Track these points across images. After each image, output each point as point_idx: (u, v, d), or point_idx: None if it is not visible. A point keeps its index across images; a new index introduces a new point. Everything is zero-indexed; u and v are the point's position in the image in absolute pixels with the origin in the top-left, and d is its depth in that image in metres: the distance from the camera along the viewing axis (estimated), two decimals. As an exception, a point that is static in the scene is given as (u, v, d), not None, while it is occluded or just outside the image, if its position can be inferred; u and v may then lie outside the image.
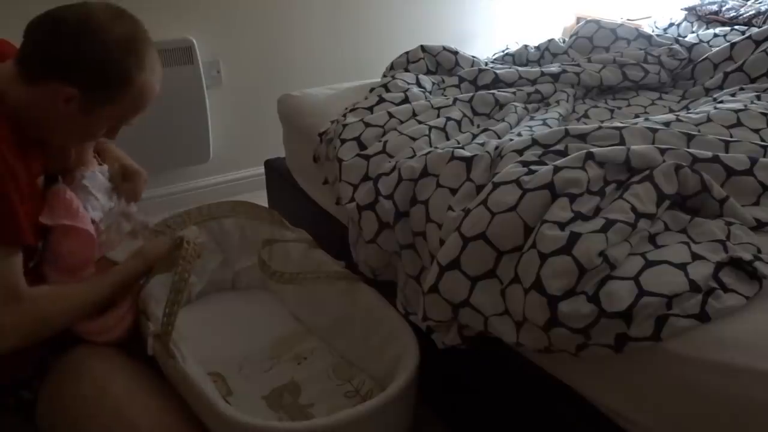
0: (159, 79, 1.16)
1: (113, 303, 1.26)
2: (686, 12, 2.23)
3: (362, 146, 1.47)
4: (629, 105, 1.71)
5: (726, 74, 1.70)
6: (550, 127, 1.42)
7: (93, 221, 1.24)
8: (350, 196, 1.39)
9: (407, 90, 1.67)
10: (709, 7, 2.17)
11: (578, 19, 2.97)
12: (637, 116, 1.59)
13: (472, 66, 1.85)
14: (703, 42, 1.93)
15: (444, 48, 1.89)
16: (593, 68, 1.79)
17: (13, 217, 1.03)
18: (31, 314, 1.08)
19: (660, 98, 1.74)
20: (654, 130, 1.25)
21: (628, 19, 2.60)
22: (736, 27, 2.00)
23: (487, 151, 1.26)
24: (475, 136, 1.45)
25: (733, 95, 1.57)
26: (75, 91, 1.05)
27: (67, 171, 1.26)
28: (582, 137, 1.26)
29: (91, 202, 1.25)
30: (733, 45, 1.79)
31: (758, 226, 1.07)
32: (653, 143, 1.21)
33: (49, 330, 1.12)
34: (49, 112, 1.07)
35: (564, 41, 2.04)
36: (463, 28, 2.96)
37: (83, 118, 1.10)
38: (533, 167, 1.14)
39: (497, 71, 1.76)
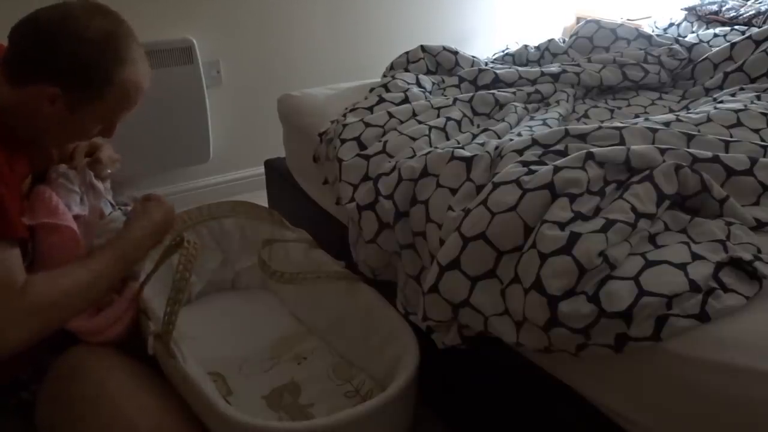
0: (145, 74, 1.14)
1: (109, 301, 1.26)
2: (686, 12, 2.23)
3: (362, 146, 1.47)
4: (629, 105, 1.71)
5: (726, 74, 1.70)
6: (550, 127, 1.42)
7: (77, 217, 1.23)
8: (350, 196, 1.39)
9: (407, 90, 1.67)
10: (709, 7, 2.17)
11: (578, 19, 2.98)
12: (637, 116, 1.59)
13: (472, 66, 1.85)
14: (703, 42, 1.93)
15: (444, 48, 1.89)
16: (593, 68, 1.79)
17: (3, 210, 1.02)
18: (28, 305, 1.04)
19: (660, 98, 1.74)
20: (654, 130, 1.25)
21: (628, 19, 2.60)
22: (736, 27, 2.00)
23: (487, 151, 1.26)
24: (475, 136, 1.45)
25: (733, 95, 1.57)
26: (57, 90, 1.05)
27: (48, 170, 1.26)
28: (582, 137, 1.26)
29: (72, 198, 1.25)
30: (733, 45, 1.79)
31: (758, 226, 1.07)
32: (653, 143, 1.21)
33: (52, 319, 1.09)
34: (37, 113, 1.07)
35: (564, 41, 2.04)
36: (463, 28, 2.96)
37: (72, 117, 1.09)
38: (533, 167, 1.14)
39: (497, 71, 1.76)
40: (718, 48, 1.83)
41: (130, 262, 1.23)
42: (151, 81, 1.18)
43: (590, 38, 1.99)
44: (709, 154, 1.16)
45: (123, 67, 1.09)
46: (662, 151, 1.14)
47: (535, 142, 1.27)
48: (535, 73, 1.77)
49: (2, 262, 1.03)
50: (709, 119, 1.34)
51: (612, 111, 1.66)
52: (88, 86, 1.08)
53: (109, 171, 1.36)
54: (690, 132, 1.26)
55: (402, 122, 1.52)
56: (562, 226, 1.00)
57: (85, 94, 1.08)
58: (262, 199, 2.01)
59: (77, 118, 1.11)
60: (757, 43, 1.73)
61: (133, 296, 1.30)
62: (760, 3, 2.09)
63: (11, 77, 1.06)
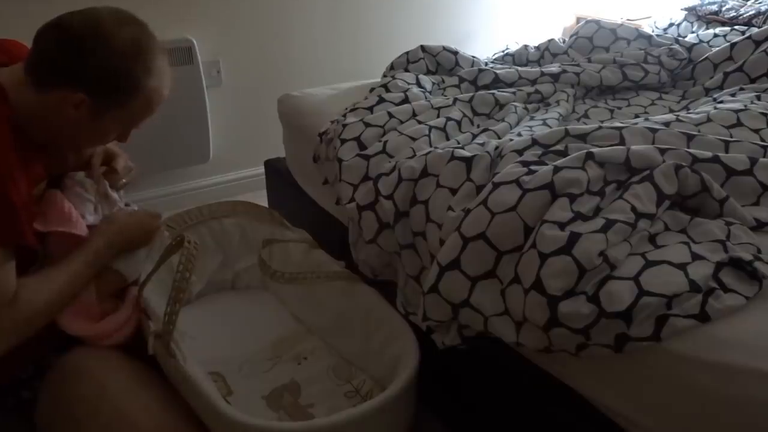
0: (168, 84, 1.16)
1: (114, 308, 1.25)
2: (686, 12, 2.23)
3: (362, 146, 1.47)
4: (629, 105, 1.71)
5: (726, 74, 1.70)
6: (550, 127, 1.42)
7: (89, 227, 1.22)
8: (350, 196, 1.39)
9: (407, 90, 1.67)
10: (709, 7, 2.17)
11: (578, 19, 2.97)
12: (637, 116, 1.59)
13: (472, 66, 1.85)
14: (703, 42, 1.93)
15: (444, 48, 1.89)
16: (593, 68, 1.79)
17: (13, 216, 1.02)
18: (15, 314, 1.06)
19: (660, 98, 1.74)
20: (654, 130, 1.25)
21: (628, 19, 2.60)
22: (736, 27, 2.00)
23: (487, 151, 1.26)
24: (475, 136, 1.45)
25: (733, 95, 1.57)
26: (84, 97, 1.05)
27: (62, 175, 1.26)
28: (582, 137, 1.26)
29: (86, 207, 1.24)
30: (733, 45, 1.78)
31: (758, 226, 1.07)
32: (653, 143, 1.21)
33: (39, 322, 1.11)
34: (59, 117, 1.08)
35: (564, 41, 2.04)
36: (463, 28, 2.96)
37: (93, 123, 1.10)
38: (533, 167, 1.14)
39: (497, 71, 1.76)
40: (718, 48, 1.83)
41: (102, 262, 1.23)
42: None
43: (590, 38, 1.99)
44: (709, 154, 1.16)
45: (150, 76, 1.10)
46: (662, 151, 1.14)
47: (535, 142, 1.27)
48: (535, 73, 1.77)
49: (6, 270, 1.03)
50: (709, 119, 1.34)
51: (612, 111, 1.66)
52: (115, 94, 1.09)
53: (124, 181, 1.36)
54: (690, 132, 1.26)
55: (402, 122, 1.52)
56: (562, 226, 1.00)
57: (110, 102, 1.09)
58: (262, 199, 2.01)
59: (98, 124, 1.11)
60: (757, 43, 1.73)
61: (135, 299, 1.30)
62: (760, 3, 2.09)
63: (36, 81, 1.06)
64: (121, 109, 1.11)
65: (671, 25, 2.23)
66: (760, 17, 2.01)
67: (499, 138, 1.42)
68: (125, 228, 1.26)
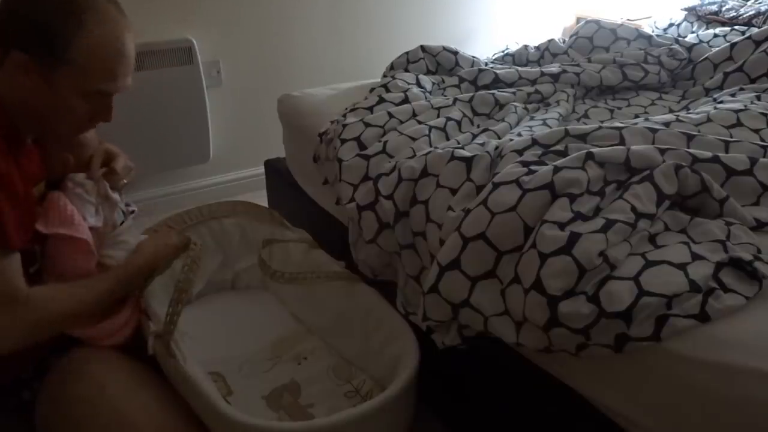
0: (123, 37, 1.07)
1: (116, 309, 1.25)
2: (686, 12, 2.23)
3: (362, 146, 1.47)
4: (629, 105, 1.71)
5: (726, 74, 1.70)
6: (550, 127, 1.42)
7: (91, 229, 1.22)
8: (350, 196, 1.39)
9: (407, 90, 1.67)
10: (709, 7, 2.17)
11: (578, 19, 2.97)
12: (637, 116, 1.59)
13: (472, 66, 1.85)
14: (703, 42, 1.93)
15: (444, 48, 1.89)
16: (593, 68, 1.79)
17: (1, 222, 1.00)
18: (28, 316, 1.04)
19: (660, 98, 1.74)
20: (654, 130, 1.25)
21: (628, 19, 2.60)
22: (736, 27, 2.00)
23: (487, 151, 1.26)
24: (475, 136, 1.45)
25: (733, 95, 1.57)
26: (26, 57, 1.01)
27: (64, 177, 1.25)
28: (582, 137, 1.26)
29: (88, 209, 1.23)
30: (733, 45, 1.79)
31: (758, 226, 1.07)
32: (653, 143, 1.21)
33: (49, 330, 1.11)
34: (18, 91, 1.04)
35: (564, 41, 2.05)
36: (463, 28, 2.96)
37: (50, 89, 1.05)
38: (533, 167, 1.14)
39: (497, 71, 1.76)
40: (718, 48, 1.83)
41: (129, 288, 1.25)
42: (134, 49, 1.11)
43: (590, 38, 1.99)
44: (709, 154, 1.16)
45: (83, 28, 1.03)
46: (662, 151, 1.14)
47: (535, 142, 1.27)
48: (535, 73, 1.77)
49: (1, 272, 1.01)
50: (709, 119, 1.34)
51: (612, 111, 1.66)
52: (49, 49, 1.03)
53: (124, 182, 1.35)
54: (690, 132, 1.26)
55: (402, 122, 1.52)
56: (562, 226, 1.00)
57: (53, 59, 1.03)
58: (262, 199, 2.01)
59: (57, 92, 1.06)
60: (757, 43, 1.73)
61: (135, 299, 1.30)
62: (760, 3, 2.09)
63: None
64: (68, 69, 1.04)
65: (671, 25, 2.23)
66: (760, 17, 2.01)
67: (499, 138, 1.42)
68: (156, 258, 1.27)
